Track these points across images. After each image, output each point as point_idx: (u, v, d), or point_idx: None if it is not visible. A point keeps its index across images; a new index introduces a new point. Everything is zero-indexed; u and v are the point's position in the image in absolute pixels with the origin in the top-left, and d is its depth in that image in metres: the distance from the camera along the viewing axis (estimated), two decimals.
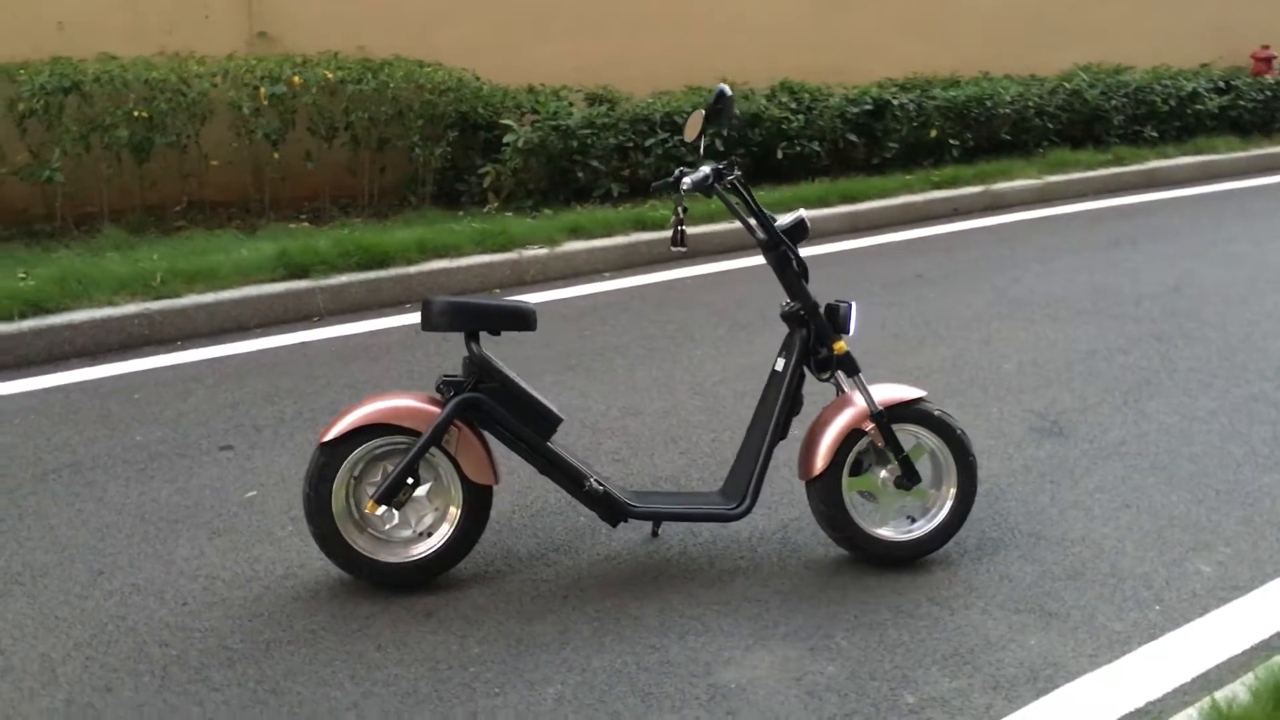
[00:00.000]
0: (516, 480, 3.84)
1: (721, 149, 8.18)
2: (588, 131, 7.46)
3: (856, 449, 3.27)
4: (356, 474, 3.12)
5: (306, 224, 6.77)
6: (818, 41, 10.02)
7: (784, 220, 3.25)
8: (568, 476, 3.16)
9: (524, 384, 3.14)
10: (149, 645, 2.90)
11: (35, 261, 5.78)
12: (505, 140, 7.24)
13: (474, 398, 3.08)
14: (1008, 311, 6.08)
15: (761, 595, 3.20)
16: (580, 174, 7.56)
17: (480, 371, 3.11)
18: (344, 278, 5.97)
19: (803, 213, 3.26)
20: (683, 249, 3.15)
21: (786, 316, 3.27)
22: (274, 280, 5.83)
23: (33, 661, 2.83)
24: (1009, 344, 5.51)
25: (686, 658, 2.89)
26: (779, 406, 3.23)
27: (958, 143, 9.70)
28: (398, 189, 7.35)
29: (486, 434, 3.17)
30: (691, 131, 3.18)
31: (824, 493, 3.27)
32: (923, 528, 3.35)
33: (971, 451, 3.32)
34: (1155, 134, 10.95)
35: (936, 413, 3.29)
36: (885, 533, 3.33)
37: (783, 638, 2.99)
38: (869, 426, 3.24)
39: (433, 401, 3.13)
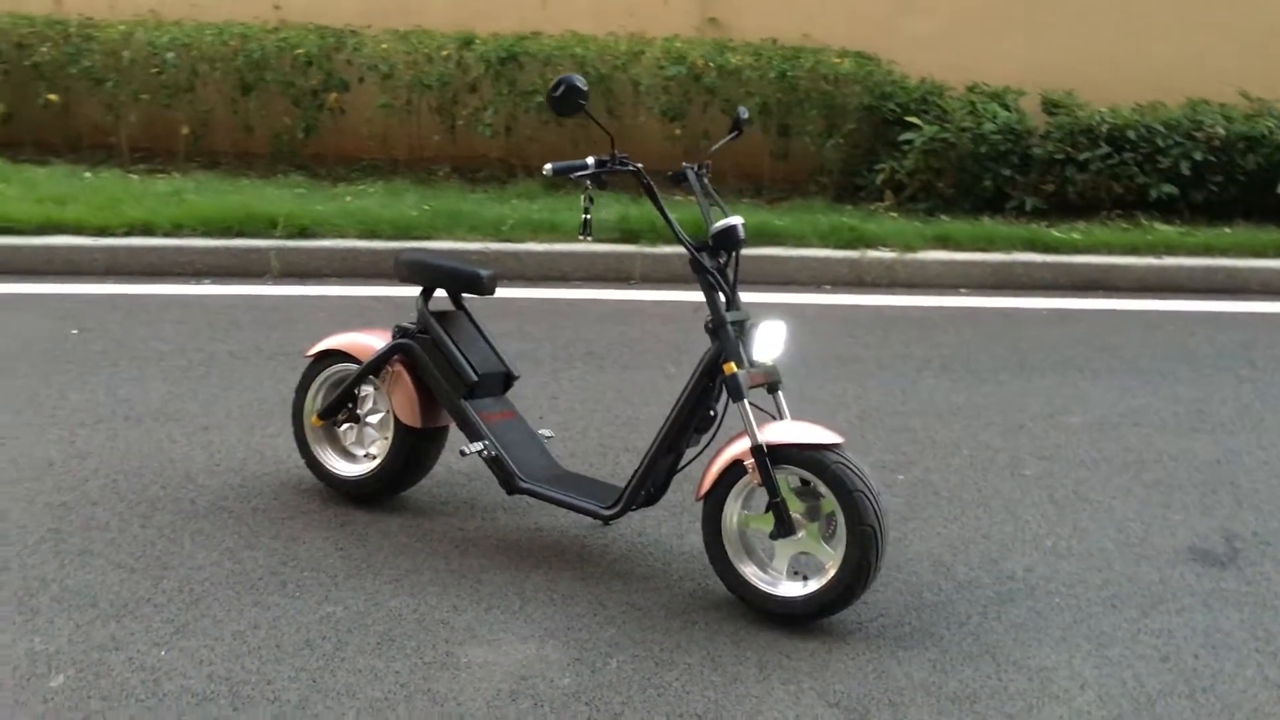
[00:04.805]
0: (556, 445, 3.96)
1: (1163, 174, 7.01)
2: (1000, 138, 6.89)
3: (741, 483, 3.01)
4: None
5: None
6: None
7: (715, 226, 3.08)
8: (471, 433, 3.34)
9: (452, 344, 3.37)
10: (46, 491, 3.59)
11: (448, 199, 6.97)
12: (902, 139, 6.99)
13: (405, 344, 3.40)
14: None
15: (606, 600, 3.11)
16: (988, 182, 7.02)
17: (421, 324, 3.41)
18: (667, 249, 6.34)
19: (735, 220, 3.05)
20: (588, 238, 3.15)
21: (706, 328, 3.10)
22: (606, 241, 6.41)
23: None
24: None
25: (464, 626, 2.97)
26: (671, 416, 3.10)
27: None
28: (804, 177, 7.46)
29: None
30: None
31: (706, 518, 3.07)
32: (800, 590, 2.97)
33: (869, 520, 2.85)
34: None
35: (833, 465, 2.89)
36: (758, 581, 3.01)
37: (566, 642, 2.92)
38: (749, 461, 2.96)
39: None
